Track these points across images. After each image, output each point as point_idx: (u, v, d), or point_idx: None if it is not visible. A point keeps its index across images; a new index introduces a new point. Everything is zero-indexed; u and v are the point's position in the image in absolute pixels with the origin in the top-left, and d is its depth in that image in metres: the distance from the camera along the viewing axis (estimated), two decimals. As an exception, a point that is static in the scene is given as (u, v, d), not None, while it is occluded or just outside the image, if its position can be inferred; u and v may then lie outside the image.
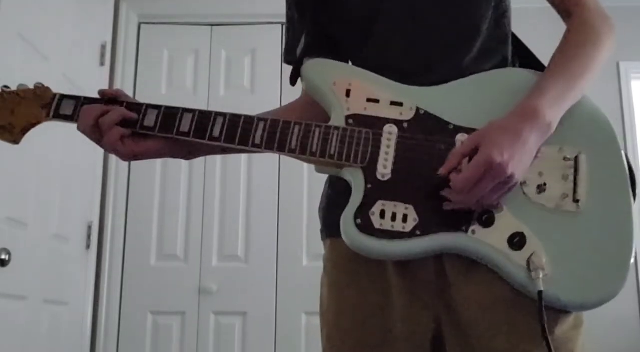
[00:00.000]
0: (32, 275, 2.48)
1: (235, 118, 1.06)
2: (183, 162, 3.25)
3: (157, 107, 1.08)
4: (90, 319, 3.00)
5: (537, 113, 0.97)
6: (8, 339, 2.32)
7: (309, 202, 3.17)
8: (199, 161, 3.25)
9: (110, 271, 3.11)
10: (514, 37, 1.18)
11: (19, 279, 2.37)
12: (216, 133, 1.05)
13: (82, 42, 2.92)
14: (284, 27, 1.31)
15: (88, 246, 3.00)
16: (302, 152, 1.03)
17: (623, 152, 1.04)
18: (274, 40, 3.34)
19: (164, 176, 3.26)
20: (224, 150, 1.16)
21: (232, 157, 3.25)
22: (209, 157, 3.24)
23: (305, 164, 3.16)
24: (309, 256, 3.14)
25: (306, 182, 3.20)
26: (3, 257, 2.23)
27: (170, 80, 3.37)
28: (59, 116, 1.10)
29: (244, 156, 3.25)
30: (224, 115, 1.06)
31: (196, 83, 3.36)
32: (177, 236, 3.21)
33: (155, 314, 3.14)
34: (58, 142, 2.65)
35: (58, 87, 1.14)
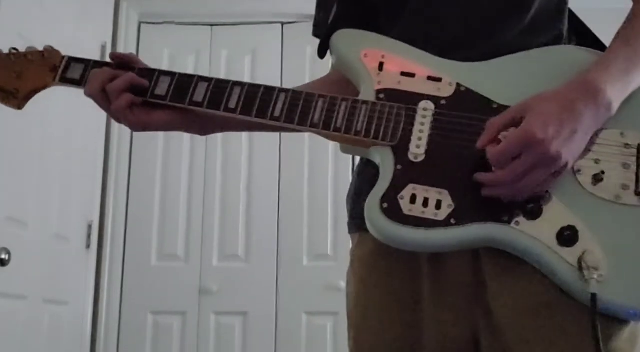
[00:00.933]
0: (32, 274, 2.48)
1: (253, 88, 0.99)
2: (183, 161, 3.25)
3: (170, 74, 1.02)
4: (90, 318, 3.00)
5: (597, 89, 0.85)
6: (8, 339, 2.32)
7: (309, 201, 3.17)
8: (199, 160, 3.25)
9: (111, 270, 3.11)
10: (571, 13, 1.06)
11: (19, 279, 2.37)
12: (232, 104, 0.98)
13: (82, 42, 2.92)
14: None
15: (88, 246, 3.00)
16: (325, 127, 0.94)
17: None
18: (274, 40, 3.33)
19: (164, 175, 3.26)
20: (247, 126, 1.08)
21: (232, 156, 3.25)
22: (210, 156, 3.25)
23: (306, 163, 3.20)
24: (309, 255, 3.14)
25: (307, 181, 3.20)
26: (3, 256, 2.23)
27: (171, 80, 3.36)
28: (66, 80, 1.04)
29: (244, 155, 3.26)
30: (242, 85, 1.00)
31: (196, 83, 3.35)
32: (177, 235, 3.20)
33: (156, 314, 3.13)
34: (58, 141, 2.65)
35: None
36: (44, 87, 1.07)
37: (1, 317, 2.27)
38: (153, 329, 3.12)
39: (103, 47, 3.15)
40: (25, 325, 2.44)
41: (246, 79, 3.33)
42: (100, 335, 3.03)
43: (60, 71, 1.05)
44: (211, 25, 3.43)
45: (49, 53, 1.07)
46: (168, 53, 3.38)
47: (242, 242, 3.19)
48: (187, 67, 3.36)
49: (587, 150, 0.88)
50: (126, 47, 3.30)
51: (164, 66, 3.37)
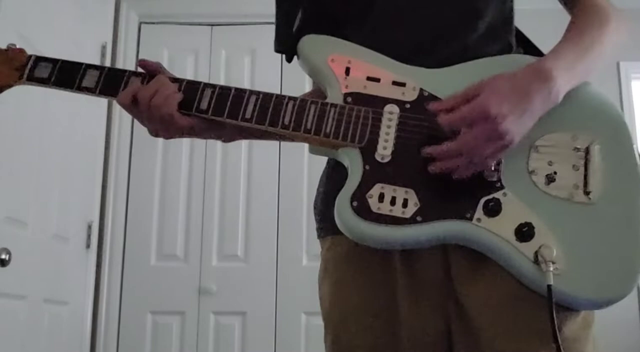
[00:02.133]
0: (32, 275, 2.48)
1: (225, 90, 1.01)
2: (183, 162, 3.26)
3: (140, 75, 1.04)
4: (90, 318, 3.00)
5: (549, 76, 0.92)
6: (8, 339, 2.32)
7: (309, 201, 3.17)
8: (198, 160, 3.25)
9: (110, 270, 3.11)
10: (517, 29, 1.14)
11: (19, 279, 2.37)
12: (204, 105, 1.01)
13: (82, 42, 2.92)
14: (275, 10, 1.28)
15: (88, 246, 3.00)
16: (295, 128, 0.98)
17: (635, 145, 0.99)
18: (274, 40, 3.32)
19: (164, 175, 3.26)
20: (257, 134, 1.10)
21: (231, 157, 3.25)
22: (209, 156, 3.25)
23: (306, 163, 3.20)
24: (309, 255, 3.14)
25: (306, 181, 3.20)
26: (3, 257, 2.22)
27: (170, 80, 3.36)
28: (34, 79, 1.04)
29: (243, 155, 3.26)
30: (213, 86, 1.02)
31: (196, 83, 3.35)
32: (176, 235, 3.21)
33: (155, 314, 3.14)
34: (58, 141, 2.66)
35: (58, 87, 1.12)
36: (9, 86, 1.06)
37: (1, 317, 2.27)
38: (152, 328, 3.12)
39: (103, 47, 3.15)
40: (25, 325, 2.44)
41: (246, 79, 3.34)
42: (100, 335, 3.04)
43: (27, 70, 1.04)
44: (211, 25, 3.43)
45: (14, 52, 1.06)
46: (168, 53, 3.38)
47: (241, 242, 3.20)
48: (187, 67, 3.37)
49: (541, 152, 0.95)
50: (126, 47, 3.30)
51: (164, 66, 3.37)
